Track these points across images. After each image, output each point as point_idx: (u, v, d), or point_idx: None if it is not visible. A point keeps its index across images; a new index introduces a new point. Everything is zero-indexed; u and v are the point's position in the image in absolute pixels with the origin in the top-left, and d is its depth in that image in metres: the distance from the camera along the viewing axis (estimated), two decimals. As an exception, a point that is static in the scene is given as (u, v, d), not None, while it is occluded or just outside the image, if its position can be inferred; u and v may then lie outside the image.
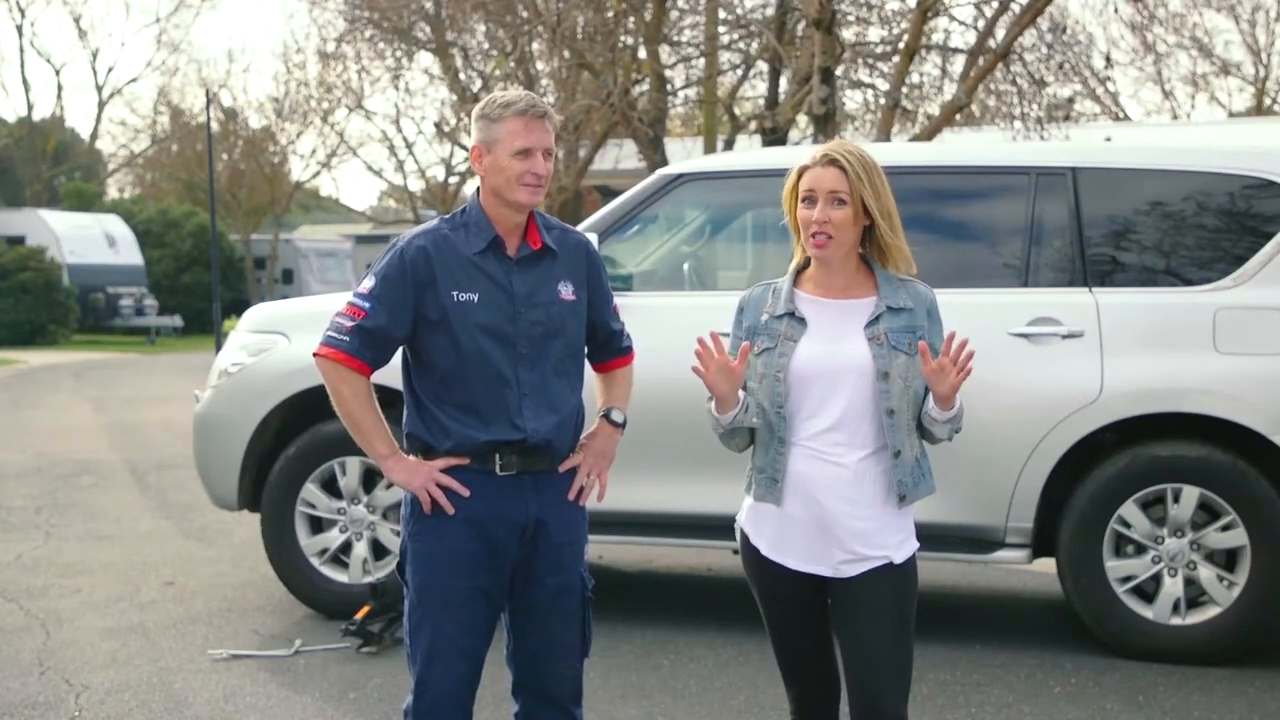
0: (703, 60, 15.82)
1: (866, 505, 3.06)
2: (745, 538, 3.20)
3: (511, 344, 3.16)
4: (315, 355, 3.22)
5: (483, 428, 3.15)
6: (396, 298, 3.16)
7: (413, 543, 3.24)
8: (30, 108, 45.45)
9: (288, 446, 5.97)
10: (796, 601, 3.15)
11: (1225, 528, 5.15)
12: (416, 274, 3.15)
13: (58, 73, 66.86)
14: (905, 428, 3.07)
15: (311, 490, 5.93)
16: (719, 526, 5.39)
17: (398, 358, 3.29)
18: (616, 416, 3.41)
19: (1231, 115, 31.51)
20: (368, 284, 3.20)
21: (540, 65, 17.06)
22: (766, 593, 3.20)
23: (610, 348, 3.44)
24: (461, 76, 18.95)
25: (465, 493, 3.16)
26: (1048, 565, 5.68)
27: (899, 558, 3.07)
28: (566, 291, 3.24)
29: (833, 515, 3.06)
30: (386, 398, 3.58)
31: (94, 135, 46.26)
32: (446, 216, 3.26)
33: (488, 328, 3.15)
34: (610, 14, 14.64)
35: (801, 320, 3.10)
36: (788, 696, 3.29)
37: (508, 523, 3.19)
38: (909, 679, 3.09)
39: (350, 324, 3.17)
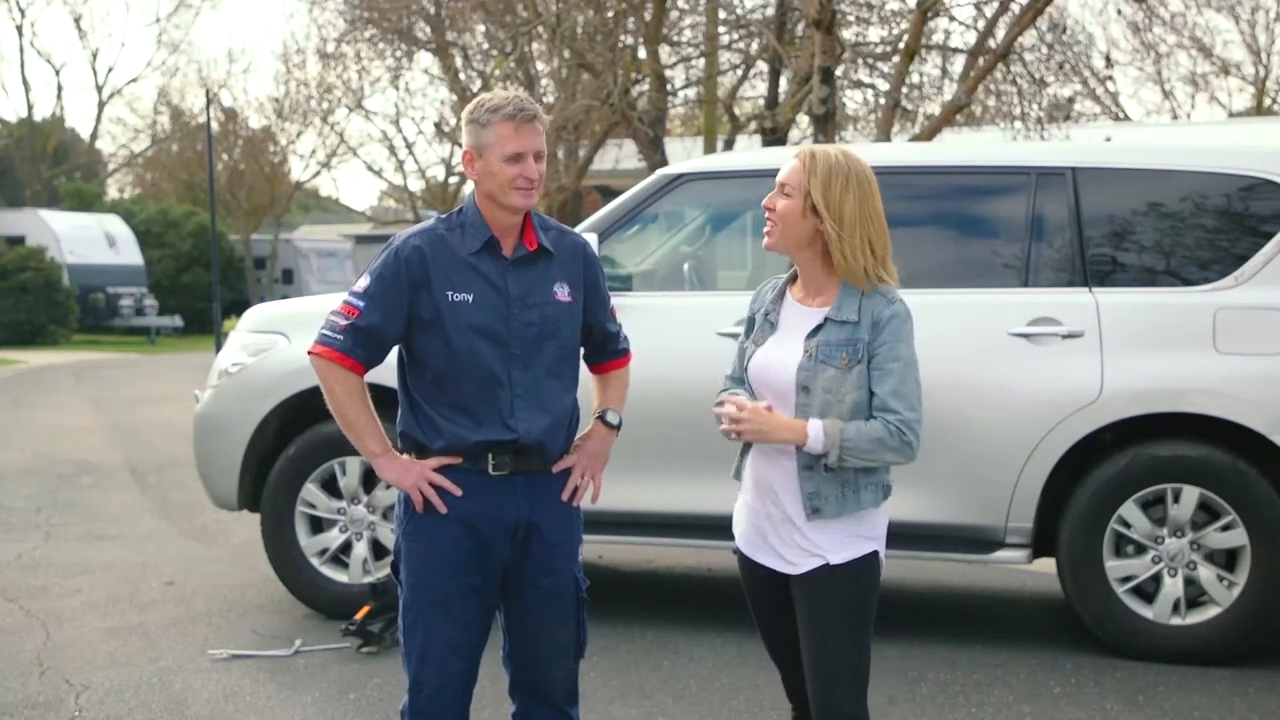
0: (703, 60, 15.83)
1: (799, 508, 3.07)
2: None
3: (505, 345, 3.16)
4: (309, 353, 3.22)
5: (475, 428, 3.15)
6: (391, 297, 3.16)
7: (406, 541, 3.24)
8: (30, 108, 45.51)
9: (288, 446, 5.97)
10: (767, 595, 3.20)
11: (1225, 528, 5.15)
12: (411, 273, 3.15)
13: (58, 73, 66.82)
14: None
15: (311, 490, 5.93)
16: (719, 526, 5.37)
17: (393, 356, 3.28)
18: (611, 418, 3.41)
19: (1231, 115, 31.49)
20: (363, 283, 3.20)
21: (540, 65, 17.08)
22: (744, 585, 3.27)
23: (607, 349, 3.43)
24: (461, 76, 18.95)
25: (457, 492, 3.16)
26: (1048, 565, 5.68)
27: (835, 559, 3.05)
28: (562, 293, 3.23)
29: (778, 510, 3.10)
30: (381, 396, 3.57)
31: (94, 135, 46.25)
32: (443, 216, 3.26)
33: (481, 328, 3.14)
34: (610, 14, 14.65)
35: (773, 325, 3.15)
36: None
37: (500, 523, 3.19)
38: (859, 680, 3.06)
39: (344, 322, 3.17)
